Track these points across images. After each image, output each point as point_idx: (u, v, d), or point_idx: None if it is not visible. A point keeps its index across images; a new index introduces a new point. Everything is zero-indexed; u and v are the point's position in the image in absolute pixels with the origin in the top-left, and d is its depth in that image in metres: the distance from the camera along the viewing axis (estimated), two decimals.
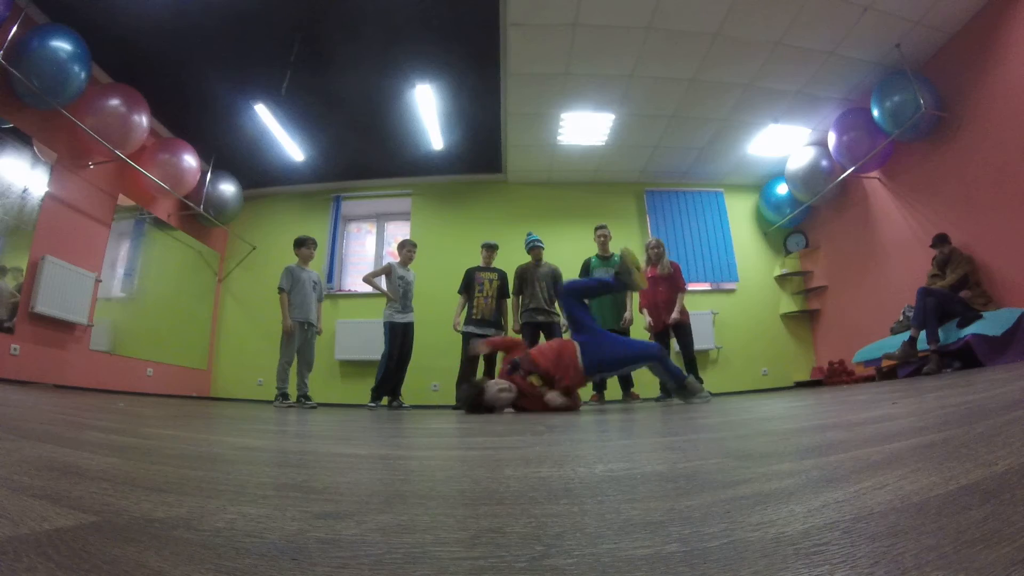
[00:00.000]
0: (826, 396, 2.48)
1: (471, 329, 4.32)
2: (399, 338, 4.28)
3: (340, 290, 6.27)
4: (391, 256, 4.65)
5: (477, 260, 4.67)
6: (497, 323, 4.44)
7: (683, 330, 4.32)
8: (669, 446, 0.92)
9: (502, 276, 4.58)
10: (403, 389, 4.43)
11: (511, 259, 4.86)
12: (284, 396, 4.01)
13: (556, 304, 4.40)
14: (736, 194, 6.47)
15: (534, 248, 4.51)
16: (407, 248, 4.56)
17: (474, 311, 4.40)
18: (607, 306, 4.38)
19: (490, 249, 4.64)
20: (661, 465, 0.69)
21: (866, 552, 0.29)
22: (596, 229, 4.64)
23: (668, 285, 4.36)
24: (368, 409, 3.91)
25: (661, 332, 4.35)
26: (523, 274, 4.45)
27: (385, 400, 4.34)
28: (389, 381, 4.27)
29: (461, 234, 6.06)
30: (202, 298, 5.97)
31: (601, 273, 4.44)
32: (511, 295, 4.50)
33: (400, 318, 4.32)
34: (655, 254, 4.44)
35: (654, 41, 4.20)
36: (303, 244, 4.33)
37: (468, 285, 4.50)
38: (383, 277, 4.46)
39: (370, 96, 4.89)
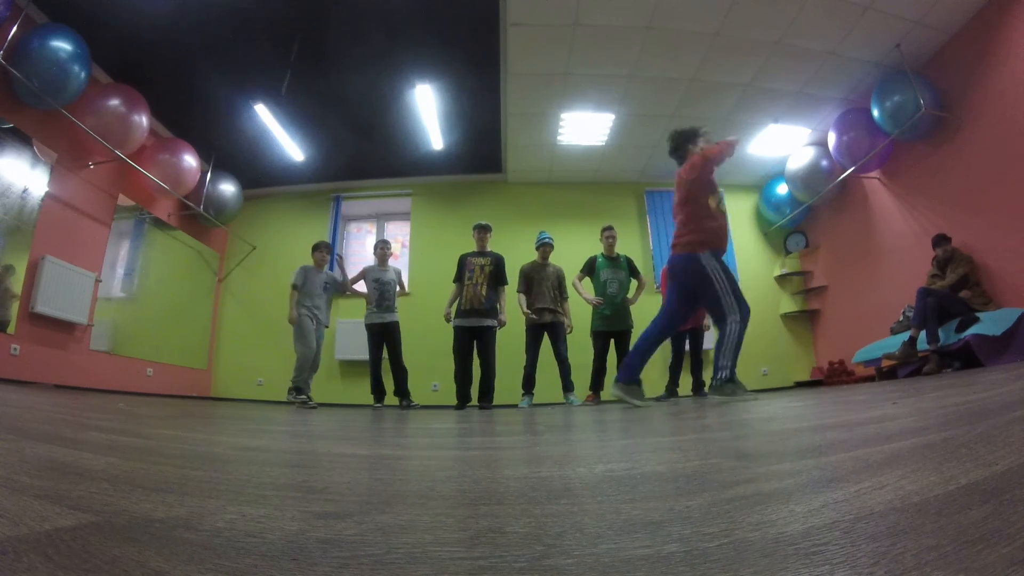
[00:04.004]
0: (826, 396, 2.48)
1: (458, 322, 4.06)
2: (378, 338, 4.28)
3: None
4: (391, 257, 4.62)
5: None
6: (490, 310, 4.04)
7: (701, 334, 4.45)
8: (669, 446, 0.92)
9: (496, 260, 4.19)
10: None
11: (511, 259, 4.82)
12: (297, 391, 3.98)
13: (561, 304, 4.38)
14: (736, 194, 6.46)
15: (543, 246, 4.39)
16: (381, 247, 4.49)
17: (463, 302, 4.07)
18: (620, 308, 4.35)
19: (482, 230, 4.25)
20: (661, 465, 0.69)
21: (866, 552, 0.29)
22: (603, 230, 4.52)
23: None
24: (372, 409, 3.92)
25: (678, 334, 4.40)
26: (529, 273, 4.34)
27: (388, 400, 4.34)
28: (378, 381, 4.26)
29: (461, 234, 6.01)
30: (202, 298, 5.96)
31: (607, 273, 4.41)
32: (517, 292, 4.34)
33: (376, 318, 4.28)
34: None
35: (654, 41, 4.20)
36: (317, 249, 4.36)
37: (460, 272, 4.20)
38: (361, 281, 4.45)
39: (370, 96, 4.89)
